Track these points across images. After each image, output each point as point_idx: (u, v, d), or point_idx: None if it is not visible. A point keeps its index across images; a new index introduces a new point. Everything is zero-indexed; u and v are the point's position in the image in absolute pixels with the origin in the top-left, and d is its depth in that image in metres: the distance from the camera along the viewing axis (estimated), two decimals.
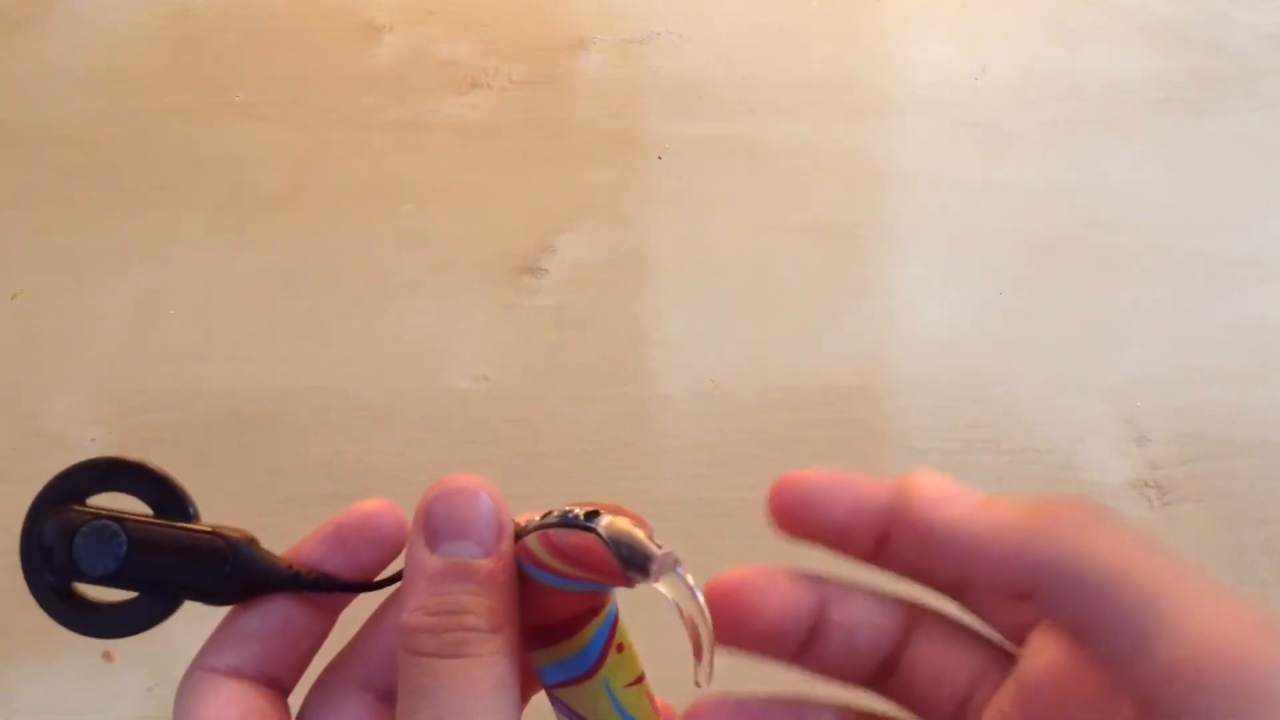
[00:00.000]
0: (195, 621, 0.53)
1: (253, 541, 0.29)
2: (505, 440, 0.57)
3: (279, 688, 0.27)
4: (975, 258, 0.61)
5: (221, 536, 0.29)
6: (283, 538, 0.56)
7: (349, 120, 0.63)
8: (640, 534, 0.23)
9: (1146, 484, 0.56)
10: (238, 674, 0.27)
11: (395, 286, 0.60)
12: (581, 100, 0.64)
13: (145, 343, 0.58)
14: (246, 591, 0.28)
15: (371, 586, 0.27)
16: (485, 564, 0.24)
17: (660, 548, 0.23)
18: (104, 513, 0.27)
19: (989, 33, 0.66)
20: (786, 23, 0.66)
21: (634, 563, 0.23)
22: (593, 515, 0.24)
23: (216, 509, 0.58)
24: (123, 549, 0.27)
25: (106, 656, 0.53)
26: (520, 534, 0.25)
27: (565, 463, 0.56)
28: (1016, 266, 0.61)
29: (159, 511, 0.28)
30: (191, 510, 0.29)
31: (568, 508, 0.24)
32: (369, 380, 0.58)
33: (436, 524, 0.25)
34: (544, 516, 0.25)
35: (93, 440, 0.56)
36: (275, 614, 0.27)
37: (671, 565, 0.23)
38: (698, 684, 0.24)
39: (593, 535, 0.23)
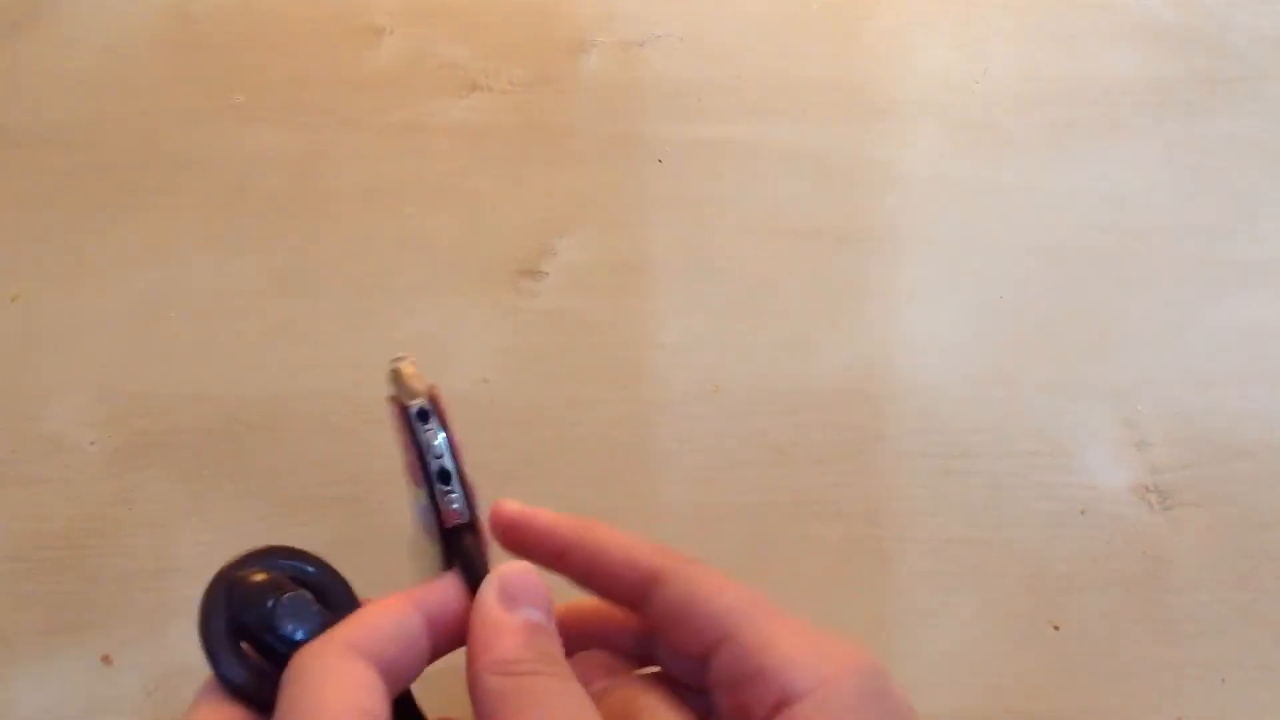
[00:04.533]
0: (195, 625, 0.53)
1: None
2: (505, 443, 0.57)
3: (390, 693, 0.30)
4: (976, 261, 0.61)
5: None
6: (282, 540, 0.56)
7: (349, 122, 0.63)
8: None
9: (1147, 488, 0.56)
10: (377, 666, 0.29)
11: (395, 289, 0.60)
12: (582, 103, 0.64)
13: (145, 345, 0.58)
14: None
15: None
16: (551, 625, 0.31)
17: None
18: (303, 590, 0.31)
19: (990, 36, 0.65)
20: (788, 26, 0.66)
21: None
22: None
23: (217, 511, 0.59)
24: (316, 621, 0.30)
25: (106, 660, 0.53)
26: None
27: (565, 466, 0.56)
28: (1017, 269, 0.61)
29: (320, 597, 0.32)
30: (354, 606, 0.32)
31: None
32: (369, 383, 0.58)
33: (514, 592, 0.30)
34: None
35: (92, 443, 0.56)
36: (417, 635, 0.31)
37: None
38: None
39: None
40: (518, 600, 0.30)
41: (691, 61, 0.65)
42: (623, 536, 0.34)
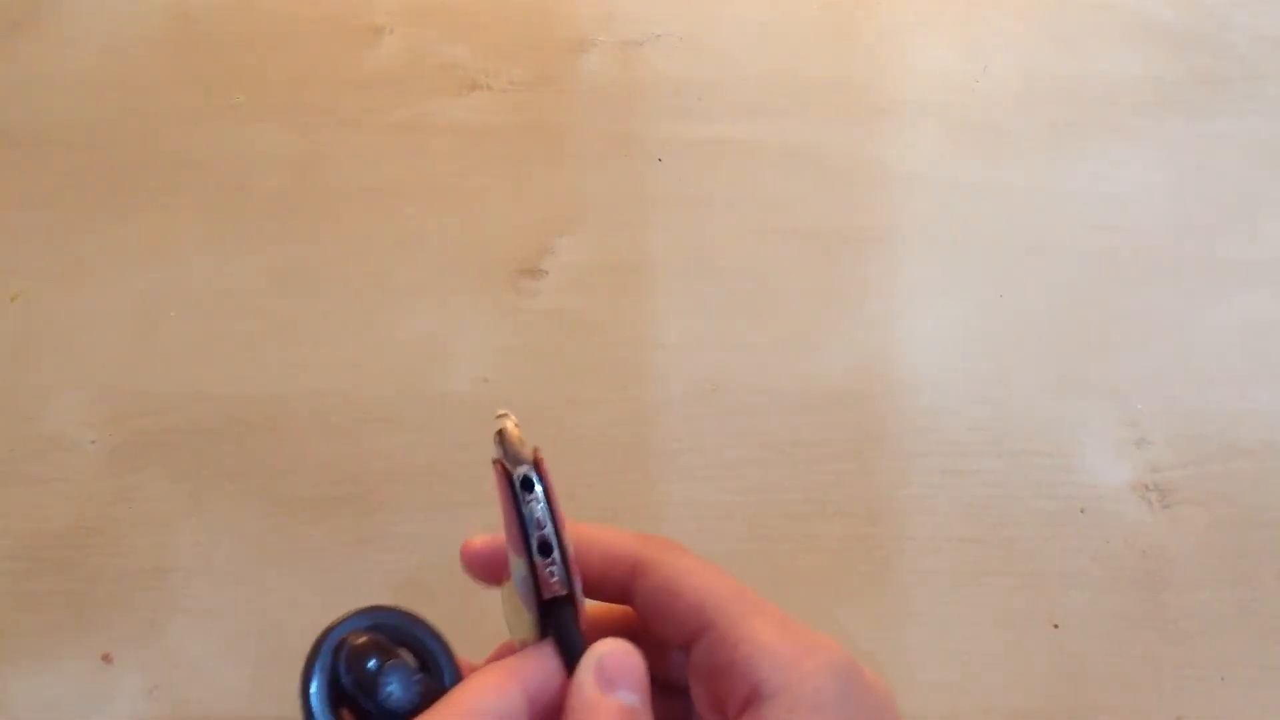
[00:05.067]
0: (195, 624, 0.53)
1: None
2: None
3: None
4: (976, 260, 0.61)
5: None
6: (282, 540, 0.56)
7: (349, 122, 0.63)
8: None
9: (1147, 486, 0.56)
10: None
11: (395, 289, 0.60)
12: (582, 102, 0.64)
13: (145, 345, 0.58)
14: None
15: None
16: (647, 709, 0.30)
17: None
18: (410, 659, 0.31)
19: (989, 35, 0.66)
20: (787, 25, 0.66)
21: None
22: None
23: (216, 510, 0.59)
24: (416, 690, 0.30)
25: (106, 658, 0.53)
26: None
27: (565, 465, 0.56)
28: (1017, 269, 0.61)
29: (423, 667, 0.32)
30: (450, 683, 0.32)
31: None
32: (369, 383, 0.58)
33: (611, 674, 0.30)
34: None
35: (92, 442, 0.56)
36: (519, 715, 0.30)
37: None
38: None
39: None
40: (615, 683, 0.30)
41: (691, 61, 0.65)
42: (602, 530, 0.34)
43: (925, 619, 0.54)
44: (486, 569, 0.34)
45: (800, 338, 0.59)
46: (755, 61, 0.65)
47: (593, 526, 0.34)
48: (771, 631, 0.30)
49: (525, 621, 0.31)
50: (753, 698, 0.29)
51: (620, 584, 0.33)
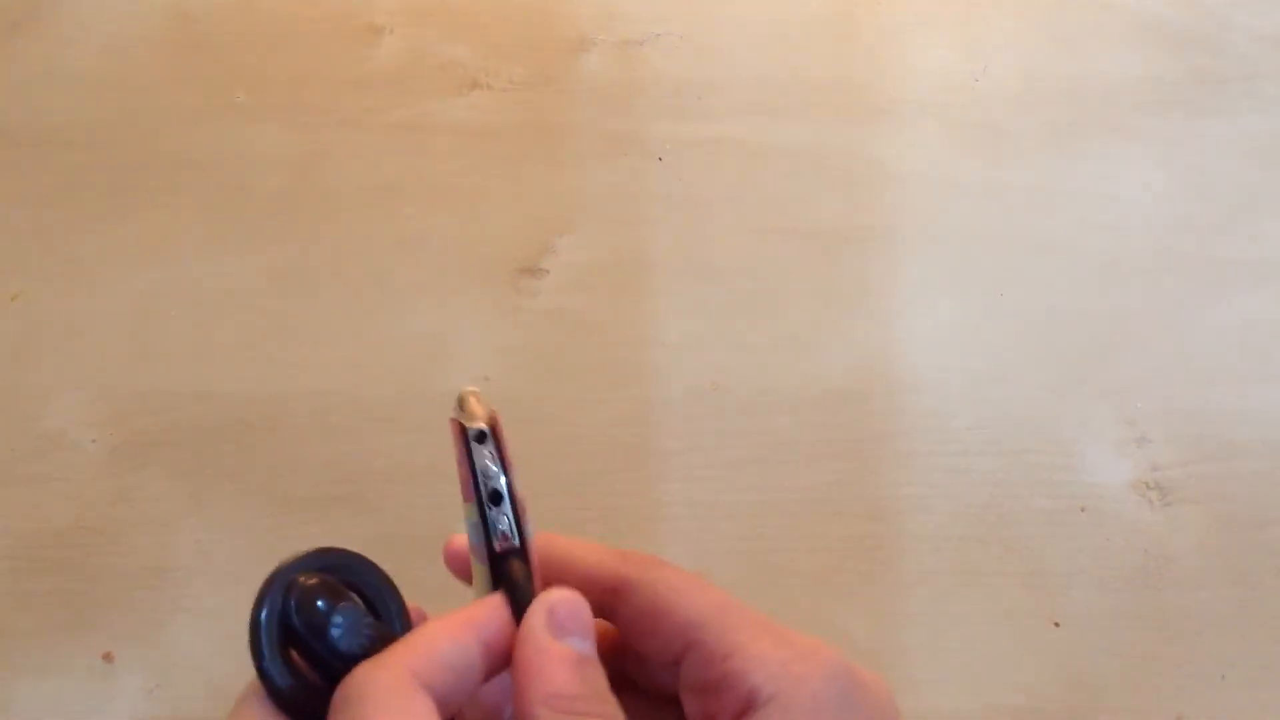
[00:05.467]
0: (195, 624, 0.53)
1: None
2: (506, 442, 0.56)
3: None
4: (976, 259, 0.61)
5: None
6: (282, 539, 0.56)
7: (349, 121, 0.63)
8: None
9: (1147, 485, 0.56)
10: (434, 695, 0.29)
11: (395, 288, 0.60)
12: (582, 102, 0.64)
13: (145, 344, 0.58)
14: None
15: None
16: (595, 656, 0.30)
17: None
18: (360, 603, 0.31)
19: (989, 35, 0.66)
20: (787, 25, 0.66)
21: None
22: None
23: (217, 510, 0.59)
24: (368, 635, 0.30)
25: (107, 658, 0.53)
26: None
27: (565, 464, 0.56)
28: (1017, 268, 0.61)
29: (373, 612, 0.32)
30: (400, 629, 0.32)
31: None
32: (370, 382, 0.58)
33: (562, 620, 0.30)
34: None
35: (93, 442, 0.56)
36: (473, 662, 0.30)
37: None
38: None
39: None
40: (565, 629, 0.30)
41: (691, 61, 0.65)
42: (583, 546, 0.34)
43: (925, 618, 0.54)
44: (467, 568, 0.34)
45: (800, 337, 0.59)
46: (755, 61, 0.65)
47: (572, 542, 0.34)
48: (761, 641, 0.30)
49: (480, 578, 0.32)
50: (747, 707, 0.29)
51: (602, 603, 0.33)
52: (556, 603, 0.30)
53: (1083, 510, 0.56)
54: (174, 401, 0.57)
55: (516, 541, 0.31)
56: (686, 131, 0.63)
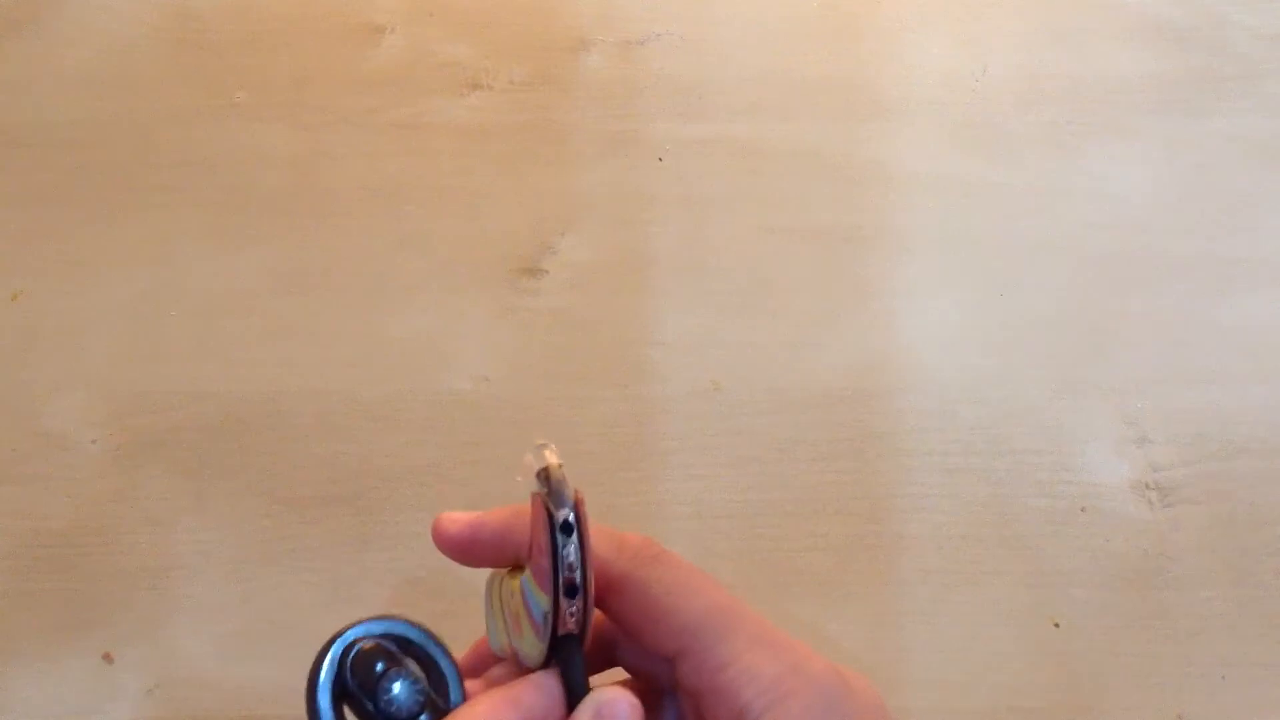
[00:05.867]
0: (196, 623, 0.53)
1: None
2: (506, 441, 0.57)
3: None
4: (975, 259, 0.61)
5: None
6: (282, 539, 0.56)
7: (349, 121, 0.63)
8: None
9: (1147, 485, 0.56)
10: None
11: (395, 288, 0.60)
12: (582, 101, 0.64)
13: (146, 344, 0.58)
14: None
15: None
16: None
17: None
18: (417, 670, 0.32)
19: (989, 35, 0.66)
20: (788, 24, 0.66)
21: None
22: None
23: (217, 509, 0.59)
24: (419, 706, 0.31)
25: (107, 658, 0.53)
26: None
27: (565, 464, 0.56)
28: (1017, 268, 0.61)
29: (428, 679, 0.33)
30: (453, 699, 0.33)
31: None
32: (369, 381, 0.58)
33: None
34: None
35: (93, 441, 0.56)
36: None
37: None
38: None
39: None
40: None
41: (691, 60, 0.65)
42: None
43: (925, 618, 0.54)
44: (458, 550, 0.35)
45: (800, 337, 0.59)
46: (755, 61, 0.65)
47: None
48: (754, 652, 0.31)
49: (528, 642, 0.32)
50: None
51: (597, 597, 0.33)
52: (604, 704, 0.31)
53: (1083, 510, 0.56)
54: (174, 401, 0.57)
55: (578, 629, 0.31)
56: (686, 131, 0.63)
